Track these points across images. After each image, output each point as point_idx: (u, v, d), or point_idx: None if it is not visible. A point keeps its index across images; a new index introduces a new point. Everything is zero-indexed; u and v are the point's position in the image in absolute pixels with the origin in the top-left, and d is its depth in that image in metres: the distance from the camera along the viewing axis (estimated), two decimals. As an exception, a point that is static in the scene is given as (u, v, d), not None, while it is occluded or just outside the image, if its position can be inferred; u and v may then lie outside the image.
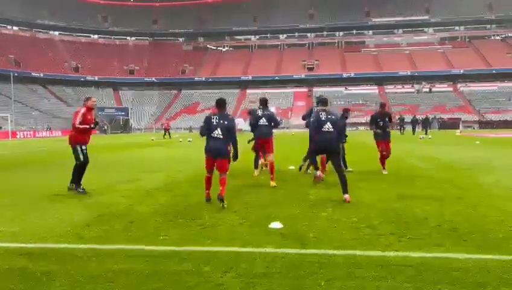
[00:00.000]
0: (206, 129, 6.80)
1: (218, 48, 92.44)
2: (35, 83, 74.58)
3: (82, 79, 78.92)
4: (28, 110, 64.72)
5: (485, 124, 57.82)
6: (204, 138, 6.89)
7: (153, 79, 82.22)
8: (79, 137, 8.09)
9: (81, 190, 8.04)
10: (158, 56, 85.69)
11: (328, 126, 7.13)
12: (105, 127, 66.16)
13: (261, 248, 4.48)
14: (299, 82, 79.40)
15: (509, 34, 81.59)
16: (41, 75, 74.50)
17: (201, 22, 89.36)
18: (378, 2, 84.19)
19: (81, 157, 8.07)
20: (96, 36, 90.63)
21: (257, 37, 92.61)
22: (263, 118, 8.95)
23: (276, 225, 5.35)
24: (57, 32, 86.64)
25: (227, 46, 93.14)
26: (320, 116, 7.30)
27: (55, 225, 5.65)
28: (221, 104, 6.93)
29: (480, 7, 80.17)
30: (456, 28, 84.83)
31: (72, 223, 5.76)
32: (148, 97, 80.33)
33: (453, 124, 53.96)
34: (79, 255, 4.33)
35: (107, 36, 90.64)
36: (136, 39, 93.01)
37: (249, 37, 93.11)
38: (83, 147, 8.10)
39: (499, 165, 11.98)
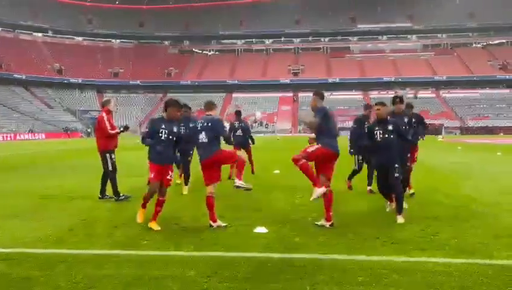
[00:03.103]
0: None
1: (204, 52, 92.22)
2: (17, 84, 73.25)
3: (65, 81, 77.77)
4: (9, 112, 63.49)
5: (466, 130, 58.84)
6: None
7: (138, 82, 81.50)
8: (109, 144, 7.72)
9: (122, 197, 7.65)
10: (143, 59, 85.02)
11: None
12: (89, 130, 65.38)
13: (246, 253, 4.47)
14: (284, 87, 79.68)
15: (490, 42, 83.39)
16: (24, 77, 73.17)
17: (188, 26, 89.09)
18: (363, 9, 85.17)
19: (110, 166, 7.70)
20: (80, 38, 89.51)
21: (243, 41, 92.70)
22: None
23: (261, 229, 5.35)
24: (40, 34, 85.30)
25: (213, 50, 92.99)
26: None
27: (36, 230, 5.55)
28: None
29: (462, 15, 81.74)
30: (439, 35, 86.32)
31: (54, 227, 5.66)
32: (133, 100, 79.63)
33: (435, 130, 54.75)
34: (61, 260, 4.26)
35: (92, 38, 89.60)
36: (121, 42, 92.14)
37: (235, 41, 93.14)
38: (112, 156, 7.75)
39: (479, 171, 12.21)
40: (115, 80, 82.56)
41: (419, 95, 73.32)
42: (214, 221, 5.58)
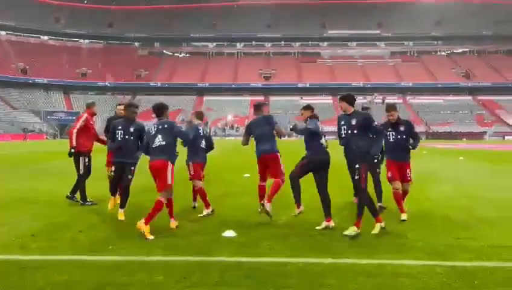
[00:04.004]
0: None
1: (175, 54, 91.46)
2: (-21, 84, 70.49)
3: (30, 81, 75.34)
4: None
5: (431, 135, 60.71)
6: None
7: (107, 83, 79.89)
8: (81, 146, 7.41)
9: (88, 202, 7.42)
10: (112, 60, 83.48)
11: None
12: (56, 132, 63.57)
13: (214, 257, 4.45)
14: (255, 90, 79.98)
15: (454, 51, 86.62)
16: (-14, 76, 70.56)
17: (158, 27, 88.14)
18: (333, 15, 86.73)
19: (82, 169, 7.44)
20: (46, 37, 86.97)
21: (214, 44, 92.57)
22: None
23: (230, 233, 5.34)
24: (3, 32, 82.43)
25: (184, 52, 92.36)
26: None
27: (-4, 235, 5.35)
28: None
29: (428, 24, 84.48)
30: (406, 43, 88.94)
31: (17, 232, 5.47)
32: (101, 102, 77.84)
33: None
34: (23, 266, 4.12)
35: (59, 38, 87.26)
36: (90, 42, 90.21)
37: (206, 44, 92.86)
38: (86, 159, 7.47)
39: (443, 176, 12.61)
40: (83, 80, 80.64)
41: (387, 101, 75.26)
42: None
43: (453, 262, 4.32)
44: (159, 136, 5.58)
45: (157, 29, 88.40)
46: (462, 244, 4.98)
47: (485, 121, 67.69)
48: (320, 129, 6.15)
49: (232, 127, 68.61)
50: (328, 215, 5.82)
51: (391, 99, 75.85)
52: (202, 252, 4.60)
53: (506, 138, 58.99)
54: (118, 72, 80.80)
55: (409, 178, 6.59)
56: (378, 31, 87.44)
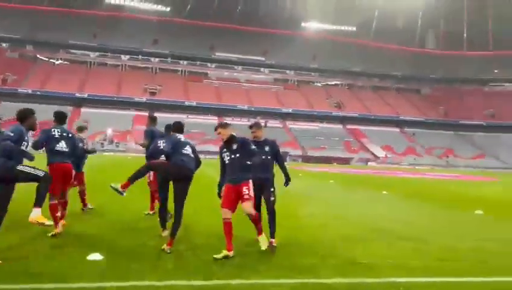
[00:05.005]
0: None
1: (51, 60, 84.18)
2: None
3: None
4: None
5: (307, 159, 65.09)
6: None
7: (-37, 85, 70.06)
8: None
9: None
10: (-27, 60, 73.77)
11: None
12: None
13: (73, 283, 4.05)
14: (140, 105, 77.37)
15: (328, 82, 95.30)
16: None
17: (32, 29, 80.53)
18: (221, 38, 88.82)
19: None
20: None
21: (97, 54, 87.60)
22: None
23: (95, 256, 4.94)
24: None
25: (61, 59, 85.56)
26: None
27: None
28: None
29: (306, 56, 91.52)
30: (287, 71, 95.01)
31: None
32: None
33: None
34: None
35: None
36: None
37: (87, 52, 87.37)
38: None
39: (314, 197, 13.49)
40: None
41: (269, 125, 78.98)
42: None
43: (318, 279, 4.56)
44: (63, 141, 6.24)
45: (32, 31, 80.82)
46: (326, 262, 5.28)
47: (352, 147, 75.00)
48: (164, 147, 6.59)
49: (111, 142, 65.06)
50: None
51: (273, 123, 79.97)
52: (59, 279, 4.15)
53: (369, 163, 66.02)
54: (-20, 74, 71.54)
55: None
56: (263, 58, 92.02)
